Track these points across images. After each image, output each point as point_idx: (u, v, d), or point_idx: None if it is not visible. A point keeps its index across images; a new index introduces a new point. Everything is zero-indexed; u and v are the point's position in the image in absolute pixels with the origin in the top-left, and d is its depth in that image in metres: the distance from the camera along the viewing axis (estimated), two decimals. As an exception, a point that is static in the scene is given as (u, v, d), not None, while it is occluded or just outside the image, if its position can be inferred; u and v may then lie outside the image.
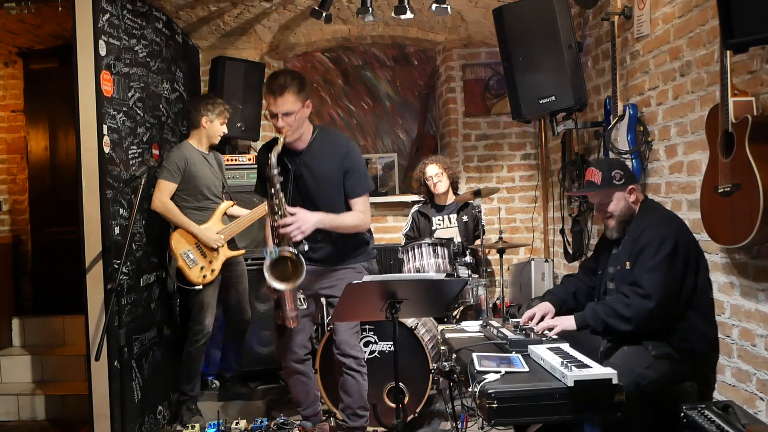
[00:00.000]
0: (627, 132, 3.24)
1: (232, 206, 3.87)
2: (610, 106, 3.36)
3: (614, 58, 3.36)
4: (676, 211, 2.88)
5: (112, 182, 3.29)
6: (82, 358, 4.00)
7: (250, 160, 4.42)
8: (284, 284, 2.67)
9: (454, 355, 2.51)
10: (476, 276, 4.08)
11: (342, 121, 5.69)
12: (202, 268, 3.63)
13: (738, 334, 2.50)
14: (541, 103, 3.45)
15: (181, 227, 3.59)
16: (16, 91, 5.14)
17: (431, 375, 3.39)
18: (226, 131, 3.85)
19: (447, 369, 2.45)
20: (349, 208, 2.92)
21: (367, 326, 3.48)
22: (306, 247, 2.74)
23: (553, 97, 3.41)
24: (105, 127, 3.25)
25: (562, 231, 4.27)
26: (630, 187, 2.72)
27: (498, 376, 2.11)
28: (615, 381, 2.02)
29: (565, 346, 2.38)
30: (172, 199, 3.59)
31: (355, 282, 2.34)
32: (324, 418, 3.34)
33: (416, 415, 3.44)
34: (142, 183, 3.08)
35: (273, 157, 2.66)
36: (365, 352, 3.37)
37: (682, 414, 2.17)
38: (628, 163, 3.21)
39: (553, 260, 4.67)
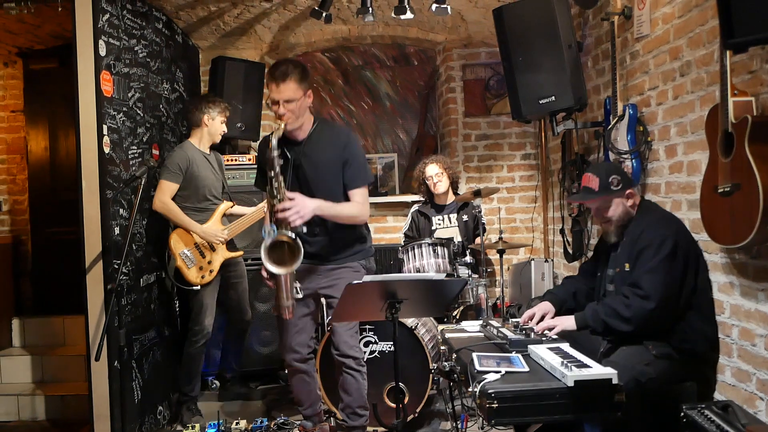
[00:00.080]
0: (627, 132, 3.24)
1: (232, 206, 3.87)
2: (610, 106, 3.36)
3: (614, 58, 3.36)
4: (675, 211, 2.88)
5: (112, 182, 3.29)
6: (82, 358, 4.01)
7: (250, 160, 4.41)
8: (280, 269, 2.63)
9: (454, 355, 2.51)
10: (476, 276, 4.07)
11: (342, 121, 5.68)
12: (200, 269, 3.63)
13: (738, 334, 2.50)
14: (541, 103, 3.45)
15: (183, 227, 3.60)
16: (16, 91, 5.14)
17: (431, 375, 3.39)
18: (226, 130, 3.86)
19: (447, 369, 2.45)
20: (347, 200, 2.90)
21: (367, 326, 3.48)
22: (304, 229, 2.69)
23: (553, 97, 3.41)
24: (105, 127, 3.25)
25: (562, 231, 4.28)
26: (628, 191, 2.70)
27: (498, 376, 2.11)
28: (615, 381, 2.03)
29: (565, 346, 2.38)
30: (172, 199, 3.60)
31: (355, 282, 2.33)
32: (324, 417, 3.34)
33: (416, 415, 3.44)
34: (142, 183, 3.08)
35: (273, 140, 2.65)
36: (365, 352, 3.38)
37: (682, 414, 2.17)
38: (628, 163, 3.22)
39: (553, 260, 4.67)
